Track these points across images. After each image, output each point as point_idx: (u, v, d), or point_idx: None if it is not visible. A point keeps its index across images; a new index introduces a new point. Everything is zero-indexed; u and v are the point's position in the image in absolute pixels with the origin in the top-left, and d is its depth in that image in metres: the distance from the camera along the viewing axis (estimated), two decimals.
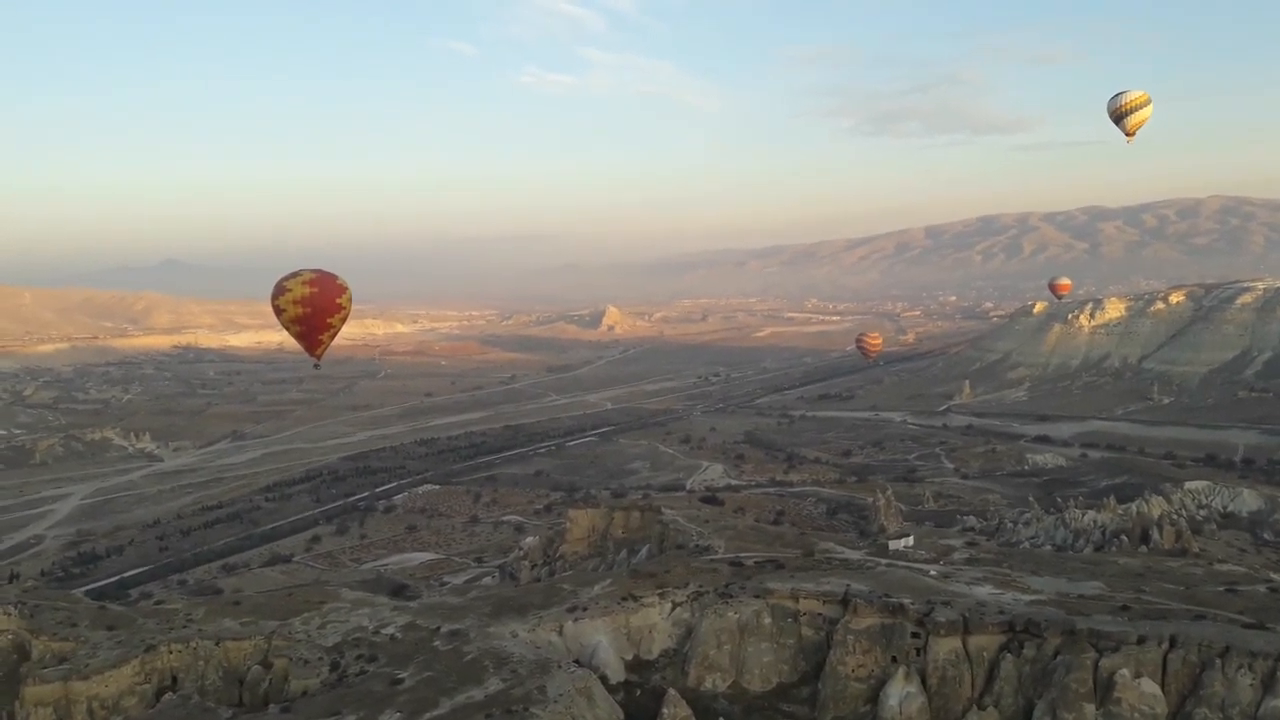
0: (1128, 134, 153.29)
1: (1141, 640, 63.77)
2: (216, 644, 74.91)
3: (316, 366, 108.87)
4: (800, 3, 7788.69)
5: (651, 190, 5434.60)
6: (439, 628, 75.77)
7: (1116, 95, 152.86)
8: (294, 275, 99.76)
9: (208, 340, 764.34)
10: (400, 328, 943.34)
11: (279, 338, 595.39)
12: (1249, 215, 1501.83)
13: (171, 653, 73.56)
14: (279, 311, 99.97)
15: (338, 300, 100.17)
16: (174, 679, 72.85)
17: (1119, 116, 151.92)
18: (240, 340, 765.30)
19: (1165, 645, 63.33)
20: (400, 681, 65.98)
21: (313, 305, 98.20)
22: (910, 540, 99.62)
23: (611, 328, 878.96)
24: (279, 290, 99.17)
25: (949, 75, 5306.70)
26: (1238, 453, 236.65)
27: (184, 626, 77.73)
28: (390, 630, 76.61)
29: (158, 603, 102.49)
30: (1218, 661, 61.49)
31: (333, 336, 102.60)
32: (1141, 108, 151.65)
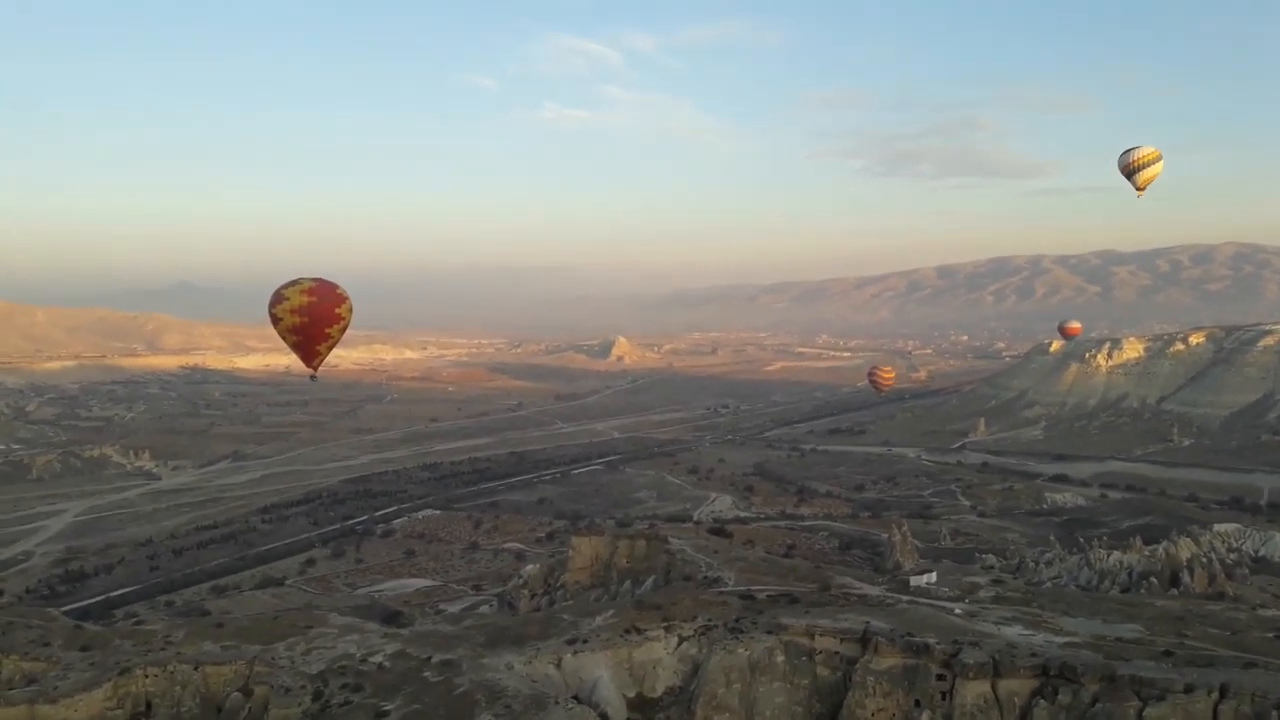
0: (1138, 189, 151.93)
1: (1189, 689, 58.78)
2: (195, 668, 71.30)
3: (313, 378, 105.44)
4: (819, 46, 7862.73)
5: (665, 225, 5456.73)
6: (430, 657, 71.75)
7: (1127, 151, 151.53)
8: (293, 284, 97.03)
9: (216, 362, 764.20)
10: (409, 353, 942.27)
11: (287, 360, 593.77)
12: (1263, 263, 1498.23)
13: (147, 676, 69.95)
14: (276, 321, 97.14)
15: (336, 310, 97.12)
16: (148, 705, 69.28)
17: (1130, 172, 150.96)
18: (248, 362, 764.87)
19: (1215, 695, 58.36)
20: (386, 714, 62.39)
21: (310, 315, 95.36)
22: (933, 576, 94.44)
23: (621, 358, 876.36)
24: (276, 299, 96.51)
25: (964, 120, 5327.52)
26: (1263, 496, 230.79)
27: (162, 649, 73.94)
28: (378, 659, 72.53)
29: (137, 623, 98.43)
30: (1274, 714, 56.48)
31: (330, 348, 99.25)
32: (1152, 164, 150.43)
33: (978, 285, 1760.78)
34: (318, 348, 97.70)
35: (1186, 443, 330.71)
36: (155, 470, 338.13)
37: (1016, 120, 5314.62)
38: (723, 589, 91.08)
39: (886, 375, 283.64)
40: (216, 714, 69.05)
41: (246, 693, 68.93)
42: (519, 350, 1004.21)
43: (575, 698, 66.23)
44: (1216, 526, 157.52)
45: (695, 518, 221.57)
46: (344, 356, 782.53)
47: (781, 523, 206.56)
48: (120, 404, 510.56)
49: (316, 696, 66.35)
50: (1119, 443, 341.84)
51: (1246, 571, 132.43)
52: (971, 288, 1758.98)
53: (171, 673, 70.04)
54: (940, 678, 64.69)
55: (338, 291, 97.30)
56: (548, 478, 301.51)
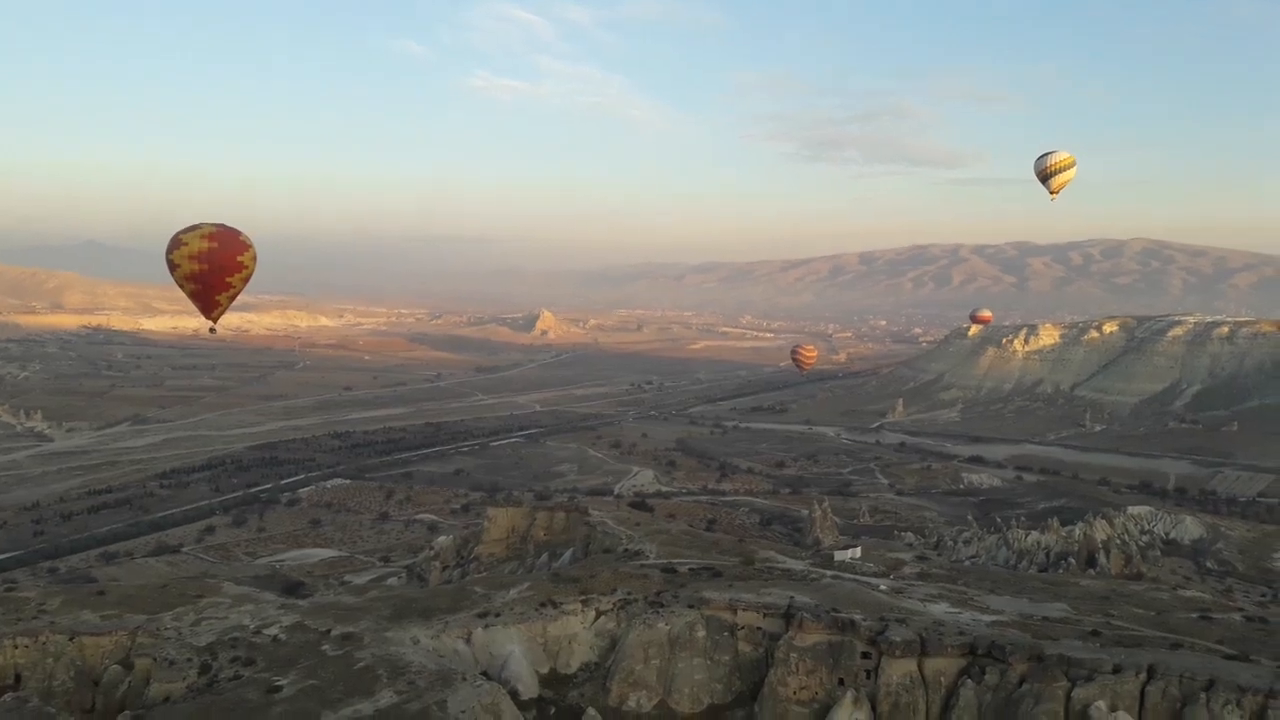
0: (1052, 192, 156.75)
1: (1117, 669, 57.31)
2: (70, 639, 65.52)
3: (212, 331, 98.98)
4: (753, 29, 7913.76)
5: (595, 201, 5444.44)
6: (329, 630, 67.02)
7: (1044, 155, 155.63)
8: (192, 229, 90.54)
9: (120, 322, 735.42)
10: (325, 321, 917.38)
11: (195, 324, 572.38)
12: (1169, 259, 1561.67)
13: (16, 647, 64.10)
14: (173, 267, 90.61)
15: (239, 258, 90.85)
16: (17, 677, 63.38)
17: (1045, 176, 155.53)
18: (155, 324, 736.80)
19: (1143, 676, 56.92)
20: (278, 689, 57.25)
21: (210, 262, 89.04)
22: (857, 552, 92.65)
23: (545, 332, 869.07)
24: (174, 244, 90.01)
25: (891, 108, 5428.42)
26: (1170, 481, 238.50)
27: (34, 618, 68.16)
28: (273, 631, 67.56)
29: (9, 589, 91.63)
30: (1202, 695, 55.21)
31: (231, 299, 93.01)
32: (1067, 169, 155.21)
33: (898, 272, 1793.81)
34: (217, 298, 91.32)
35: (1098, 428, 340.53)
36: (47, 432, 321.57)
37: (941, 110, 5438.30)
38: (644, 562, 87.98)
39: (809, 354, 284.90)
40: (94, 687, 63.76)
41: (127, 665, 63.79)
42: (440, 321, 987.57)
43: (485, 674, 62.39)
44: (1130, 509, 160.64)
45: (616, 492, 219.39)
46: (255, 321, 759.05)
47: (703, 498, 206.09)
48: (13, 362, 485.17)
49: (204, 670, 61.54)
50: (1033, 426, 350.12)
51: (1159, 554, 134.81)
52: (892, 274, 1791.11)
53: (43, 643, 64.45)
54: (865, 655, 62.33)
55: (241, 239, 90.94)
56: (465, 449, 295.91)
